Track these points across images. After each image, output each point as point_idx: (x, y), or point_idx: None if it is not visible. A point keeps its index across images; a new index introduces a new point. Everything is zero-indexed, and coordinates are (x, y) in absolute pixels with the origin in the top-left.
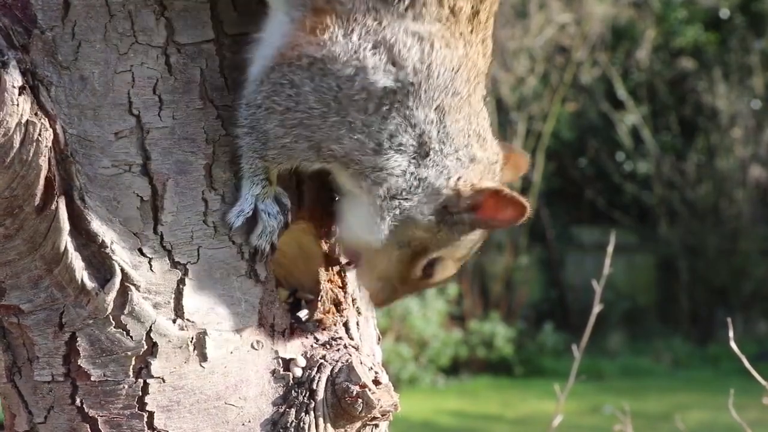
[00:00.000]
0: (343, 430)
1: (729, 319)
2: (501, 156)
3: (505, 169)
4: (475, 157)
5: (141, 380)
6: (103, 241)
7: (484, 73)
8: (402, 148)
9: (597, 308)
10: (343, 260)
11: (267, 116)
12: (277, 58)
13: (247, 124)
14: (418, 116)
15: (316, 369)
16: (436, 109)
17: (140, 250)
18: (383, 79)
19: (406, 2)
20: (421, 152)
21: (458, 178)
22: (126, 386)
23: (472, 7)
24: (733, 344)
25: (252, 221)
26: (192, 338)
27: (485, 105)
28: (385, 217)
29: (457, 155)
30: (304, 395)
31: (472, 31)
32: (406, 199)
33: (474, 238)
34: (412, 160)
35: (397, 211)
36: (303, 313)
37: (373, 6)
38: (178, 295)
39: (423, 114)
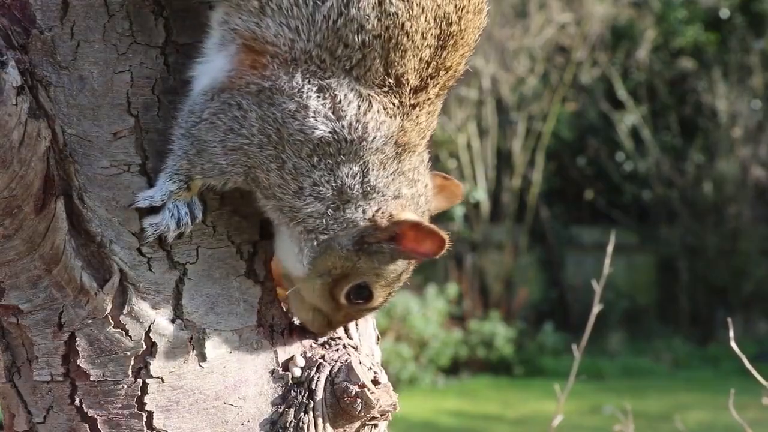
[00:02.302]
0: (342, 429)
1: (729, 320)
2: (429, 187)
3: (439, 198)
4: (400, 193)
5: (140, 380)
6: (102, 240)
7: (419, 145)
8: (321, 196)
9: (597, 308)
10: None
11: (208, 129)
12: (226, 82)
13: (186, 128)
14: (343, 171)
15: (315, 369)
16: (361, 165)
17: (139, 250)
18: (321, 126)
19: (353, 61)
20: (341, 200)
21: (377, 210)
22: (125, 386)
23: (421, 80)
24: (733, 344)
25: (155, 209)
26: (191, 338)
27: (422, 156)
28: (303, 249)
29: (380, 194)
30: (303, 395)
31: (415, 106)
32: (323, 233)
33: (397, 267)
34: (331, 206)
35: (315, 243)
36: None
37: (317, 55)
38: (177, 294)
39: (348, 169)
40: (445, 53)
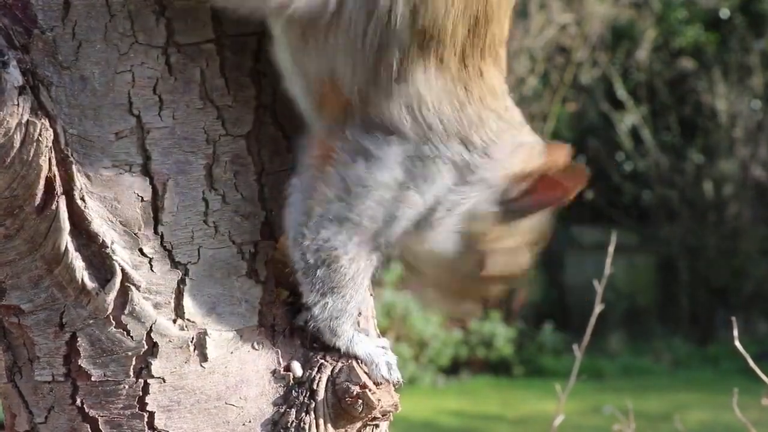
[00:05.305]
0: (343, 430)
1: (733, 319)
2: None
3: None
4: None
5: (141, 380)
6: (103, 241)
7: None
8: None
9: (598, 308)
10: None
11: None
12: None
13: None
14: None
15: (316, 369)
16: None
17: (141, 250)
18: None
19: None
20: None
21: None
22: (126, 386)
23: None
24: (737, 343)
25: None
26: (192, 338)
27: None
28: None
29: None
30: (305, 395)
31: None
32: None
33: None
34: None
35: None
36: (302, 317)
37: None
38: (179, 295)
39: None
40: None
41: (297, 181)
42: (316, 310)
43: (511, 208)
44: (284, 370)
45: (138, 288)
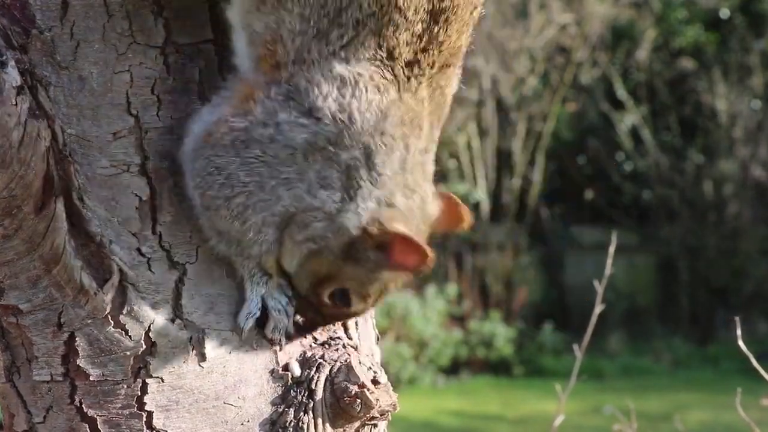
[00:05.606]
0: (341, 429)
1: (737, 319)
2: (432, 207)
3: (442, 218)
4: (393, 202)
5: (140, 380)
6: (101, 240)
7: (429, 119)
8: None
9: (598, 308)
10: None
11: (216, 216)
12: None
13: (212, 230)
14: (343, 157)
15: (314, 369)
16: (361, 149)
17: (139, 250)
18: (301, 134)
19: (344, 39)
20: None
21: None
22: (125, 386)
23: (414, 54)
24: (740, 343)
25: (262, 317)
26: (191, 338)
27: (428, 156)
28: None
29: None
30: (303, 395)
31: (410, 78)
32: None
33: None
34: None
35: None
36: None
37: (305, 45)
38: (177, 294)
39: (348, 155)
40: (437, 28)
41: (205, 110)
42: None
43: (363, 256)
44: (282, 370)
45: (136, 288)
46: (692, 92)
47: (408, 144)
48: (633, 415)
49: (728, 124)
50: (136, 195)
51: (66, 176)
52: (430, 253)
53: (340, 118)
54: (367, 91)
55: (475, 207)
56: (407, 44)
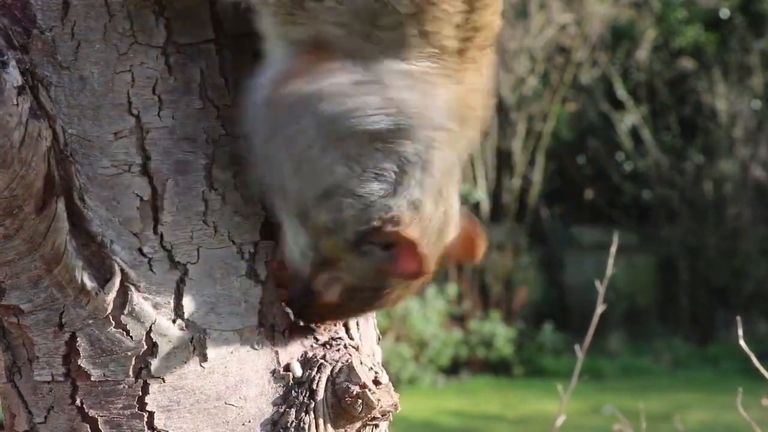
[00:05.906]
0: (343, 430)
1: (738, 318)
2: (452, 228)
3: (455, 246)
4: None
5: (141, 380)
6: (102, 241)
7: (480, 103)
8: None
9: (600, 309)
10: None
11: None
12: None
13: (266, 164)
14: (407, 150)
15: (316, 369)
16: (423, 144)
17: (140, 250)
18: (382, 121)
19: (392, 38)
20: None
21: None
22: (126, 386)
23: (460, 42)
24: (742, 343)
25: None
26: (192, 338)
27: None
28: None
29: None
30: (304, 395)
31: (458, 70)
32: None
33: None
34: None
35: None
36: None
37: (354, 42)
38: (178, 295)
39: (412, 149)
40: (476, 16)
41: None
42: None
43: (369, 251)
44: (284, 370)
45: (137, 288)
46: (692, 92)
47: (455, 143)
48: (641, 415)
49: (728, 124)
50: (138, 195)
51: (67, 176)
52: (431, 269)
53: (410, 112)
54: (427, 85)
55: (475, 207)
56: (451, 37)
